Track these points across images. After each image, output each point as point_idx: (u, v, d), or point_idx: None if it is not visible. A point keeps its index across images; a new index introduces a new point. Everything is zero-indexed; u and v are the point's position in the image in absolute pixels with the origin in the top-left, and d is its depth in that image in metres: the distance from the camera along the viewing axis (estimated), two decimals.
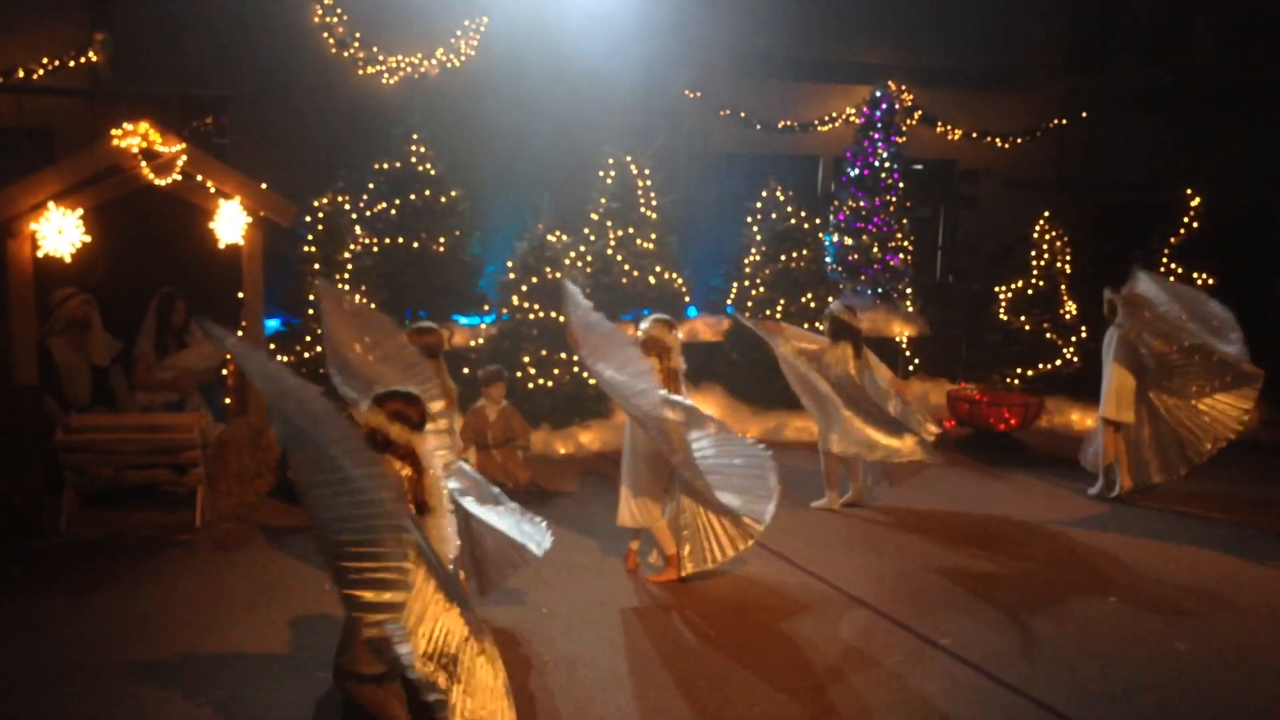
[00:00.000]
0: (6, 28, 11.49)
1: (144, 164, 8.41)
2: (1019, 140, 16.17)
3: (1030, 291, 13.31)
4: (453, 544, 4.86)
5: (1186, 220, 13.42)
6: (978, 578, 7.72)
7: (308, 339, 10.25)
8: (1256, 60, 15.40)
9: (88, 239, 8.37)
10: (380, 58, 12.90)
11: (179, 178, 8.61)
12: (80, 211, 8.33)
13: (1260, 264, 14.35)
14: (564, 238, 11.87)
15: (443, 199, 11.98)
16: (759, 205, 13.05)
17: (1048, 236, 13.42)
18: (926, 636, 6.61)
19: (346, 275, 10.50)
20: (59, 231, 8.22)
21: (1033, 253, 13.41)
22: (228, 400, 9.61)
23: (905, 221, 14.05)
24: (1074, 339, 13.22)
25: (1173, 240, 13.39)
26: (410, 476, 4.64)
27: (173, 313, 9.27)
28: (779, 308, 12.34)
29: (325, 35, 12.64)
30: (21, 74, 11.43)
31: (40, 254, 8.29)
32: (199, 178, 8.78)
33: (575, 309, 6.87)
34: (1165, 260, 13.23)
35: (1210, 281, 12.88)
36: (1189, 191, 13.43)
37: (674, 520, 7.41)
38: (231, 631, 6.40)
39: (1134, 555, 8.28)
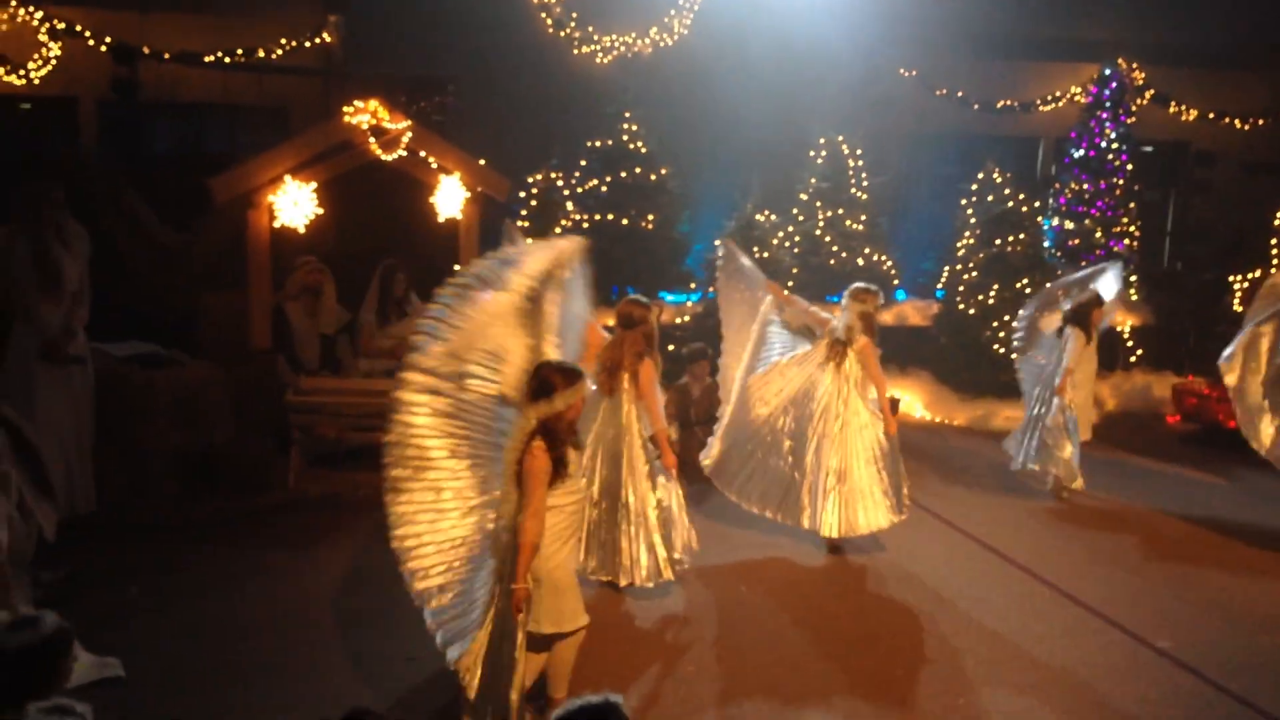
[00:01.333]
0: (248, 11, 12.17)
1: (372, 140, 8.78)
2: (1259, 122, 15.16)
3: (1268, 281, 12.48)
4: None
5: None
6: (1200, 583, 7.32)
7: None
8: None
9: (320, 211, 8.82)
10: (595, 37, 13.08)
11: (404, 154, 8.97)
12: (314, 185, 8.79)
13: None
14: (772, 217, 11.82)
15: (652, 177, 12.07)
16: (974, 187, 12.68)
17: None
18: (1143, 638, 6.31)
19: None
20: (294, 204, 8.70)
21: (1273, 240, 12.59)
22: None
23: (1132, 206, 13.42)
24: None
25: None
26: None
27: (394, 284, 9.64)
28: (992, 293, 11.97)
29: (543, 15, 12.90)
30: (261, 54, 12.10)
31: (277, 224, 8.78)
32: (422, 154, 9.12)
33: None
34: None
35: None
36: None
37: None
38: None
39: None
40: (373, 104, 8.80)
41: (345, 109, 8.81)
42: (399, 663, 5.63)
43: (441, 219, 9.34)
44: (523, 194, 10.68)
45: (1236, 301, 12.60)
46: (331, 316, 9.66)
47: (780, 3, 12.95)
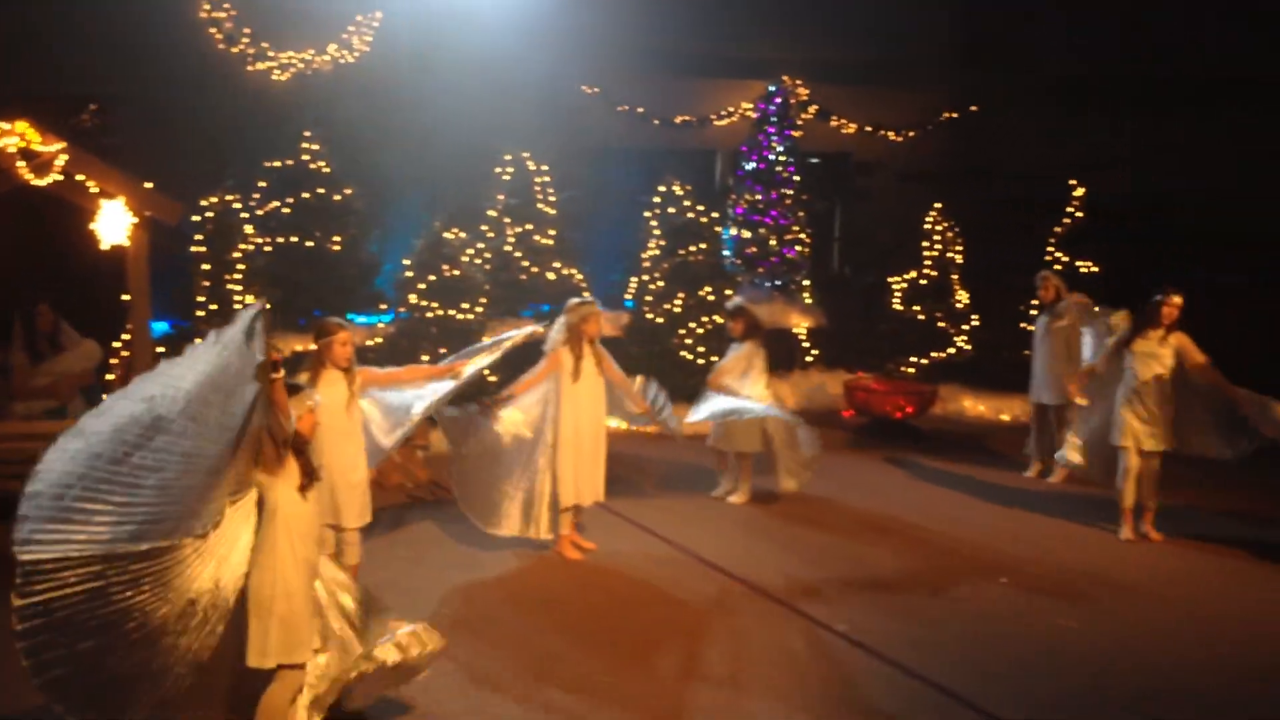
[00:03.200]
0: None
1: (21, 163, 8.16)
2: (911, 134, 16.46)
3: (923, 282, 13.60)
4: None
5: (1071, 211, 13.79)
6: (874, 564, 7.87)
7: (198, 341, 10.02)
8: (1139, 55, 15.89)
9: None
10: (270, 53, 12.67)
11: (59, 177, 8.37)
12: None
13: (1143, 253, 14.81)
14: (462, 235, 11.80)
15: (337, 197, 11.80)
16: (657, 200, 13.12)
17: (939, 228, 13.71)
18: (825, 624, 6.71)
19: (238, 276, 10.31)
20: None
21: (925, 244, 13.70)
22: None
23: (802, 214, 14.25)
24: (966, 327, 13.53)
25: (1058, 230, 13.74)
26: None
27: (36, 317, 8.96)
28: (677, 301, 12.43)
29: (212, 31, 12.38)
30: None
31: None
32: (80, 177, 8.54)
33: None
34: (1051, 250, 13.58)
35: (1095, 269, 13.28)
36: (1073, 183, 13.81)
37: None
38: None
39: (1027, 536, 8.53)
40: (21, 125, 8.17)
41: None
42: None
43: (106, 246, 8.78)
44: (196, 218, 10.19)
45: (896, 301, 13.61)
46: None
47: (463, 20, 12.96)
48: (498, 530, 7.71)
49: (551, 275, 12.51)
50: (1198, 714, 5.72)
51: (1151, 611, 7.08)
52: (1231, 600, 7.36)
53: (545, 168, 12.85)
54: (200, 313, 10.01)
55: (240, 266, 10.38)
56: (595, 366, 7.80)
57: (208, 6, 12.33)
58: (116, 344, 9.08)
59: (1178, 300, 8.16)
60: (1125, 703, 5.76)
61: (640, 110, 15.05)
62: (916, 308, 13.53)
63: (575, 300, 7.99)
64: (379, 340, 11.33)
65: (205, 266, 10.11)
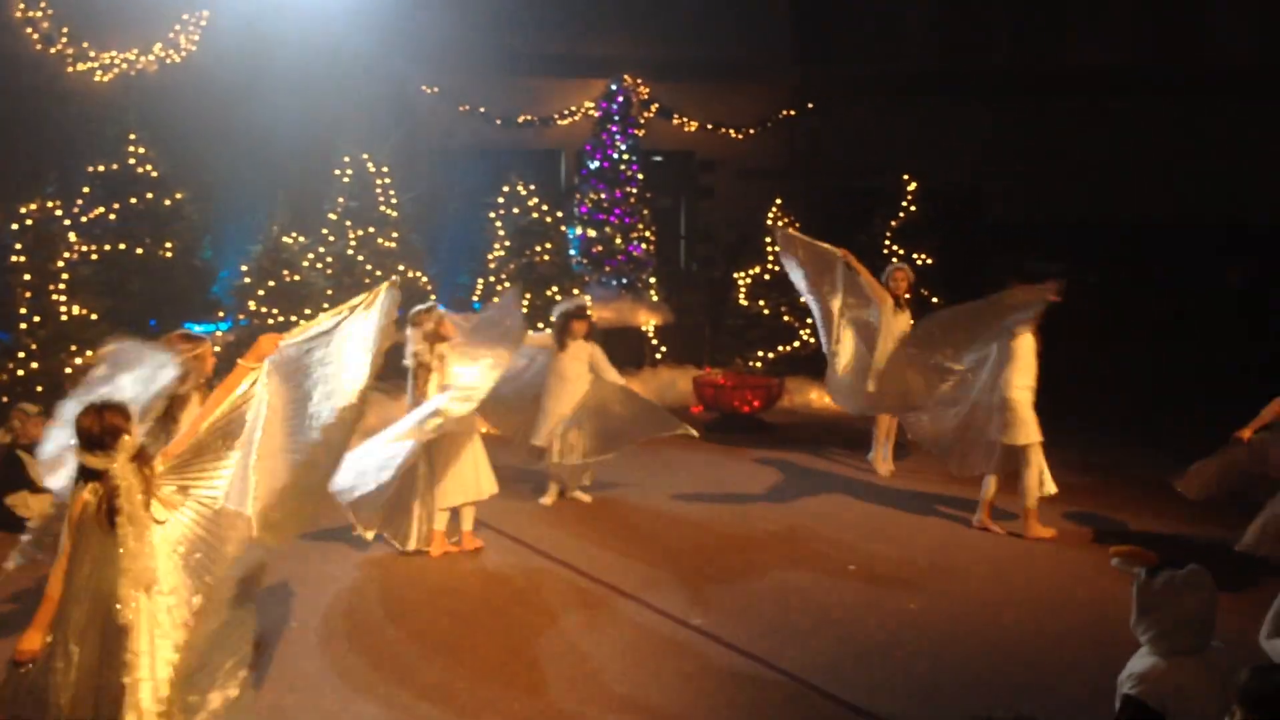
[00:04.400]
0: None
1: None
2: (751, 131, 16.74)
3: (767, 277, 13.82)
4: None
5: (905, 204, 14.22)
6: (724, 558, 7.95)
7: (20, 355, 9.56)
8: (966, 49, 16.54)
9: None
10: (91, 54, 12.13)
11: None
12: None
13: (972, 243, 15.39)
14: (301, 239, 11.53)
15: (167, 202, 11.41)
16: (501, 200, 13.04)
17: (781, 223, 13.96)
18: (679, 618, 6.76)
19: (62, 285, 9.85)
20: None
21: (768, 239, 13.93)
22: None
23: (647, 212, 14.33)
24: (810, 320, 13.79)
25: (893, 224, 14.15)
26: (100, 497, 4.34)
27: None
28: (525, 301, 12.35)
29: (29, 31, 11.79)
30: None
31: None
32: None
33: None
34: (887, 243, 13.97)
35: (929, 261, 13.72)
36: (905, 177, 14.24)
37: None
38: None
39: (867, 527, 8.73)
40: None
41: None
42: None
43: None
44: (15, 226, 9.69)
45: (742, 296, 13.81)
46: None
47: (296, 19, 12.65)
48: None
49: (396, 278, 12.29)
50: (1031, 680, 5.95)
51: (982, 589, 7.34)
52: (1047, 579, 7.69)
53: (386, 169, 12.65)
54: (23, 325, 9.53)
55: (65, 276, 9.91)
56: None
57: (23, 6, 11.74)
58: None
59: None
60: (966, 680, 5.97)
61: (482, 110, 14.94)
62: (762, 302, 13.75)
63: (421, 307, 7.90)
64: (217, 349, 10.94)
65: (26, 277, 9.62)
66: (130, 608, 4.26)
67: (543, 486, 9.27)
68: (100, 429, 4.33)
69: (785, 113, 16.95)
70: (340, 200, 12.45)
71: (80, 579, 4.30)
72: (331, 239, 12.22)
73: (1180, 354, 13.86)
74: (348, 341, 4.87)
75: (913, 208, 14.18)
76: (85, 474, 4.33)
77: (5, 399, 9.25)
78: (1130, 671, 3.80)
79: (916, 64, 16.67)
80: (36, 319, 9.60)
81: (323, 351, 4.83)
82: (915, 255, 13.78)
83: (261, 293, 11.00)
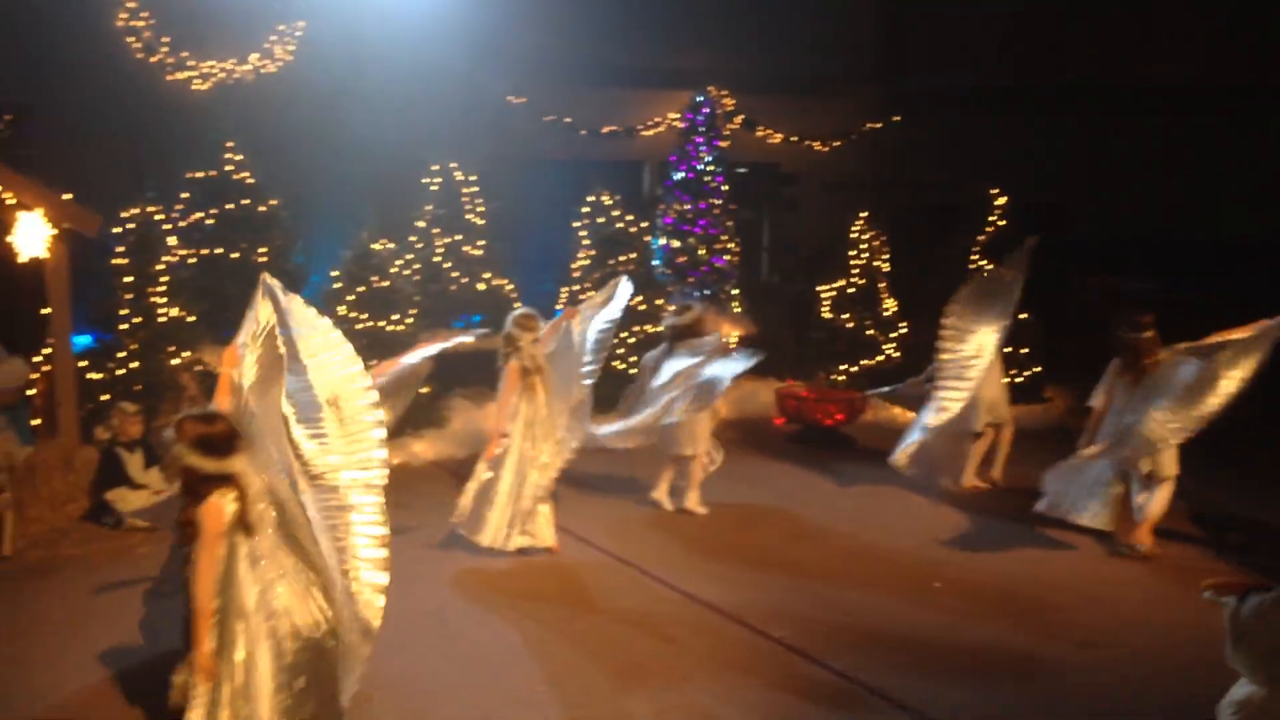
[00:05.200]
0: None
1: None
2: (835, 144, 16.67)
3: (851, 290, 13.72)
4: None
5: (992, 219, 14.02)
6: (810, 571, 7.91)
7: (120, 355, 9.83)
8: (1051, 63, 16.30)
9: None
10: (191, 63, 12.46)
11: None
12: None
13: (1058, 258, 15.13)
14: (390, 245, 11.69)
15: (262, 208, 11.64)
16: (586, 210, 13.12)
17: (865, 236, 13.87)
18: (761, 630, 6.74)
19: (162, 287, 10.11)
20: None
21: (851, 252, 13.84)
22: (36, 421, 9.12)
23: (730, 224, 14.30)
24: (894, 335, 13.69)
25: (979, 238, 13.96)
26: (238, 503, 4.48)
27: None
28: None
29: (131, 40, 12.14)
30: None
31: None
32: None
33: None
34: (975, 257, 13.78)
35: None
36: (994, 191, 14.04)
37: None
38: (46, 662, 6.08)
39: (957, 543, 8.66)
40: None
41: None
42: None
43: (23, 259, 8.56)
44: (117, 229, 9.96)
45: (825, 309, 13.74)
46: None
47: (388, 30, 12.86)
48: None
49: (481, 286, 12.45)
50: (1129, 709, 5.83)
51: (1081, 617, 7.20)
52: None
53: (473, 178, 12.79)
54: (124, 326, 9.79)
55: (164, 279, 10.17)
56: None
57: (125, 15, 12.09)
58: (38, 358, 8.86)
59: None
60: (1053, 705, 5.87)
61: (568, 120, 15.05)
62: (845, 315, 13.66)
63: (527, 310, 8.21)
64: None
65: (128, 279, 9.88)
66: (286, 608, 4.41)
67: (632, 495, 9.34)
68: (221, 433, 4.44)
69: (869, 125, 16.85)
70: (428, 208, 12.61)
71: (234, 587, 4.42)
72: (419, 246, 12.39)
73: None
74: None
75: (1000, 222, 13.96)
76: (208, 482, 4.42)
77: (106, 397, 9.51)
78: (1231, 699, 3.72)
79: (1001, 78, 16.47)
80: (137, 320, 9.86)
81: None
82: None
83: (351, 298, 11.16)
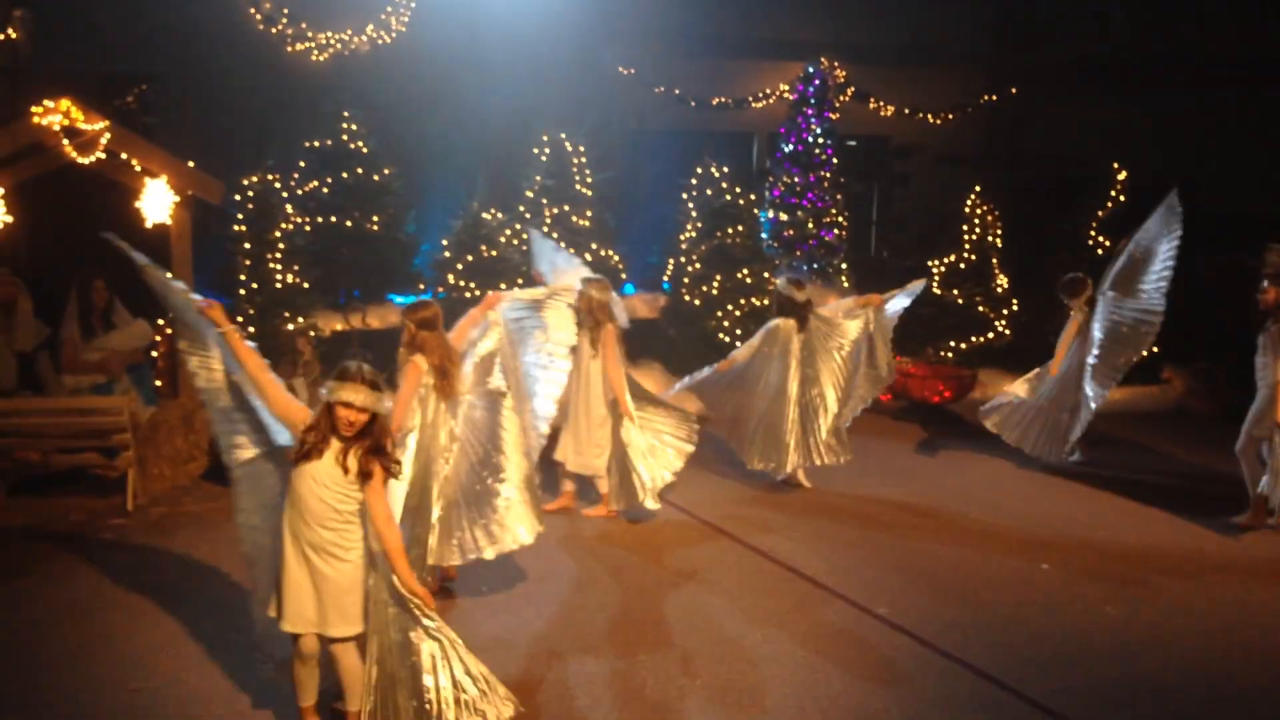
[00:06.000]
0: None
1: (66, 142, 8.21)
2: (950, 116, 16.34)
3: (962, 265, 13.49)
4: None
5: (1113, 194, 13.61)
6: (914, 550, 7.83)
7: (239, 319, 10.11)
8: (1175, 37, 15.70)
9: (9, 219, 8.19)
10: (309, 34, 12.69)
11: (103, 156, 8.42)
12: (1, 191, 8.13)
13: (1183, 235, 14.61)
14: (499, 215, 11.81)
15: (376, 177, 11.84)
16: (694, 182, 13.07)
17: (979, 211, 13.60)
18: (865, 606, 6.69)
19: (279, 254, 10.35)
20: None
21: (964, 227, 13.59)
22: (158, 382, 9.45)
23: (840, 197, 14.15)
24: (1006, 311, 13.42)
25: (1100, 214, 13.57)
26: None
27: (92, 293, 9.04)
28: (715, 283, 12.38)
29: (252, 11, 12.42)
30: None
31: None
32: (124, 156, 8.59)
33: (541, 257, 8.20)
34: (1093, 233, 13.42)
35: None
36: (1115, 165, 13.63)
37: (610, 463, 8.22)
38: (165, 617, 6.30)
39: (1065, 522, 8.46)
40: (65, 103, 8.20)
41: (34, 109, 8.18)
42: (123, 694, 5.32)
43: (150, 224, 8.84)
44: (238, 197, 10.23)
45: (935, 285, 13.51)
46: (29, 332, 8.95)
47: (499, 2, 12.95)
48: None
49: (589, 256, 12.48)
50: (1235, 712, 5.66)
51: (1185, 595, 7.02)
52: None
53: (582, 149, 12.82)
54: (242, 291, 10.06)
55: (281, 245, 10.41)
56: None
57: None
58: (161, 321, 9.16)
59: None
60: (1156, 689, 5.72)
61: (677, 92, 14.99)
62: (955, 291, 13.43)
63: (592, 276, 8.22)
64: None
65: (247, 245, 10.14)
66: None
67: (728, 463, 9.33)
68: (372, 375, 4.64)
69: (985, 98, 16.47)
70: (537, 179, 12.69)
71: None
72: (528, 216, 12.48)
73: None
74: None
75: (1121, 198, 13.54)
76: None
77: None
78: None
79: (1121, 50, 15.93)
80: (255, 285, 10.12)
81: None
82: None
83: (460, 266, 11.31)
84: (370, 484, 4.61)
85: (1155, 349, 12.26)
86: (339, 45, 12.85)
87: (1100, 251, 12.93)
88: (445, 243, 11.54)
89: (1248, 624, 6.61)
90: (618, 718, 5.25)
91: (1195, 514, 8.57)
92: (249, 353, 4.96)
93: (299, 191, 11.61)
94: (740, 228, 12.74)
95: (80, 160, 8.31)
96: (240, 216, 10.23)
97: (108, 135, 8.36)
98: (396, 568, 4.65)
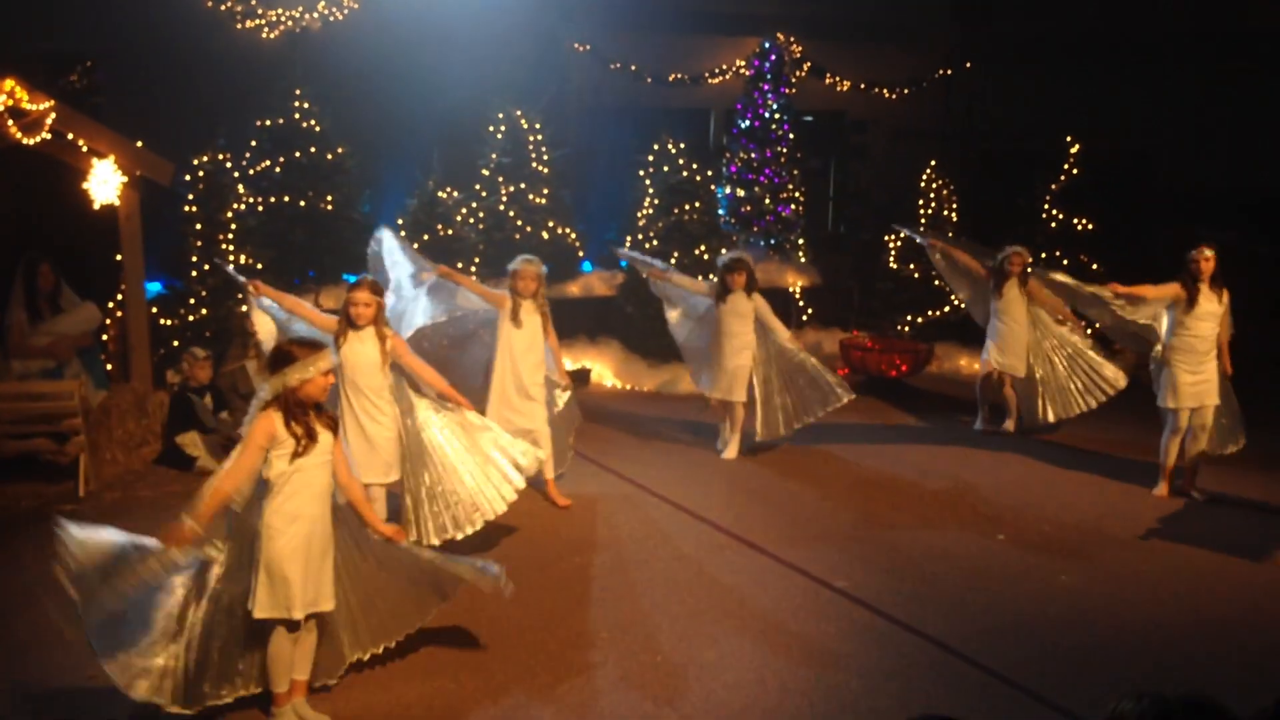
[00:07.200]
0: None
1: (11, 123, 8.04)
2: (906, 91, 16.36)
3: (919, 240, 13.52)
4: None
5: (1066, 168, 13.69)
6: (872, 522, 7.89)
7: (191, 301, 9.99)
8: (1131, 10, 15.79)
9: None
10: (259, 11, 12.50)
11: (49, 136, 8.27)
12: None
13: (1138, 209, 14.77)
14: (455, 194, 11.73)
15: (329, 156, 11.71)
16: (651, 159, 13.03)
17: (935, 185, 13.65)
18: (824, 580, 6.73)
19: (230, 235, 10.24)
20: None
21: (920, 201, 13.64)
22: (109, 366, 9.33)
23: (796, 173, 14.15)
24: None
25: (1054, 187, 13.66)
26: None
27: (37, 277, 8.89)
28: (672, 260, 12.35)
29: None
30: None
31: None
32: (70, 136, 8.44)
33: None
34: (1047, 207, 13.50)
35: (1090, 227, 13.24)
36: (1069, 139, 13.71)
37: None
38: None
39: (1020, 493, 8.55)
40: (9, 83, 8.02)
41: None
42: (80, 682, 5.27)
43: (97, 205, 8.70)
44: (188, 177, 10.10)
45: (892, 259, 13.57)
46: None
47: None
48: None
49: (546, 234, 12.44)
50: (1188, 678, 5.75)
51: (1142, 564, 7.12)
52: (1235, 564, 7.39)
53: (538, 126, 12.75)
54: (194, 273, 9.94)
55: (233, 226, 10.30)
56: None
57: None
58: (111, 304, 9.03)
59: (1209, 254, 8.18)
60: (1113, 656, 5.80)
61: (633, 68, 14.91)
62: (912, 266, 13.49)
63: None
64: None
65: (198, 226, 10.03)
66: None
67: (699, 441, 9.32)
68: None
69: (941, 72, 16.52)
70: (493, 156, 12.60)
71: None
72: (484, 194, 12.40)
73: None
74: None
75: (1075, 171, 13.63)
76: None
77: (176, 344, 9.69)
78: None
79: (1079, 24, 15.99)
80: (206, 267, 10.01)
81: None
82: (1076, 220, 13.30)
83: (416, 246, 11.16)
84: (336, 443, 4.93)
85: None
86: (290, 23, 12.66)
87: (1054, 226, 13.04)
88: (401, 222, 11.45)
89: (1198, 591, 6.72)
90: (580, 688, 5.26)
91: (1149, 482, 8.67)
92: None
93: (250, 171, 11.45)
94: (697, 204, 12.74)
95: (25, 141, 8.15)
96: (191, 197, 10.12)
97: (53, 115, 8.20)
98: (364, 516, 5.08)
